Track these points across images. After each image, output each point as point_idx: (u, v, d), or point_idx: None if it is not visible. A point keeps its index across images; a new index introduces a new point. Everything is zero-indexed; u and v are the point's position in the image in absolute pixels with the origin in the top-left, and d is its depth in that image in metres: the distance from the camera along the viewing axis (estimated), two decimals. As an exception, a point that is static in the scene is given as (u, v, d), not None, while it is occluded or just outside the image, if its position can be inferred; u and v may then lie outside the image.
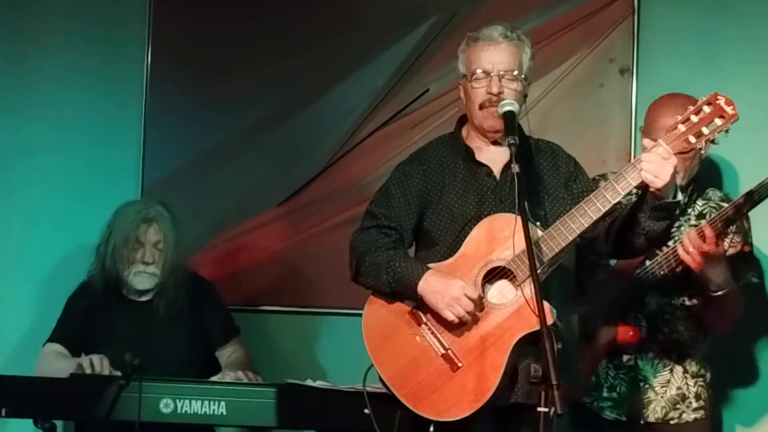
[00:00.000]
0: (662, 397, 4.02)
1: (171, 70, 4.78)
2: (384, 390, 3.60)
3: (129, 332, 4.30)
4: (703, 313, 4.00)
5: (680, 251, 3.84)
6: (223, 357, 4.41)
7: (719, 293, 3.89)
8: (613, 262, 4.02)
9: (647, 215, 3.52)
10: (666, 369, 4.03)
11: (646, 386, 4.02)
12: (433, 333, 3.56)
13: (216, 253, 4.74)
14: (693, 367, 4.05)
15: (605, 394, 4.05)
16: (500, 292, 3.55)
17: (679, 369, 4.03)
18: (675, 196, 3.52)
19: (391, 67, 4.71)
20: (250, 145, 4.77)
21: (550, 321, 3.33)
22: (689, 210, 4.04)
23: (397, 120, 4.71)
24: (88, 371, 4.03)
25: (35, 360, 4.33)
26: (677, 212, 3.96)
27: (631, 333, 3.98)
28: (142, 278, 4.32)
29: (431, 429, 3.53)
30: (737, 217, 3.88)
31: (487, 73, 3.63)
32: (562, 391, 3.19)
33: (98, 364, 4.04)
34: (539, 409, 3.26)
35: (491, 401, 3.48)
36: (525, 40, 3.68)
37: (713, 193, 4.09)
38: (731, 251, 4.01)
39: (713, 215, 3.89)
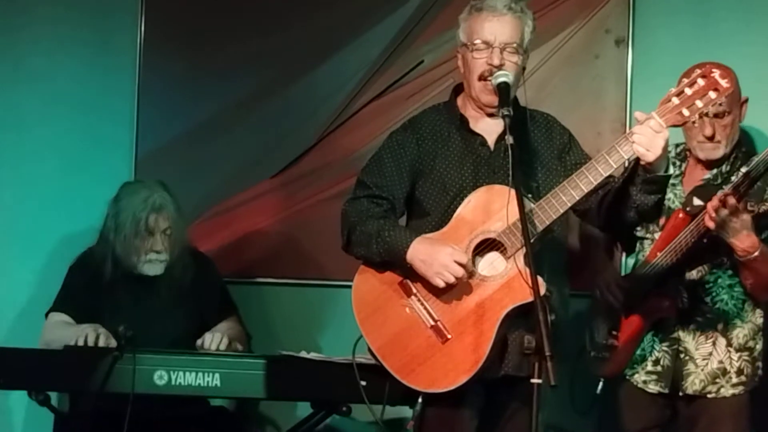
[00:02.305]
0: (702, 370, 3.98)
1: (164, 42, 4.75)
2: (374, 361, 3.61)
3: (129, 307, 4.30)
4: (744, 282, 3.96)
5: (706, 219, 3.82)
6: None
7: (745, 258, 3.85)
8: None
9: (638, 189, 3.51)
10: (708, 341, 3.98)
11: (687, 358, 3.99)
12: (422, 304, 3.57)
13: (210, 226, 4.72)
14: (740, 339, 3.99)
15: (650, 368, 4.02)
16: (491, 264, 3.55)
17: (722, 341, 3.98)
18: (667, 170, 3.51)
19: (386, 38, 4.68)
20: (243, 118, 4.75)
21: (541, 292, 3.33)
22: (732, 178, 3.98)
23: (391, 91, 4.69)
24: (81, 344, 4.03)
25: (30, 332, 4.33)
26: (719, 181, 3.99)
27: (667, 304, 3.97)
28: (155, 266, 4.31)
29: (419, 400, 3.55)
30: (741, 194, 3.81)
31: (488, 45, 3.62)
32: (554, 362, 3.19)
33: (92, 338, 4.04)
34: (533, 380, 3.26)
35: (481, 373, 3.49)
36: (527, 12, 3.68)
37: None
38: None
39: (731, 186, 3.84)
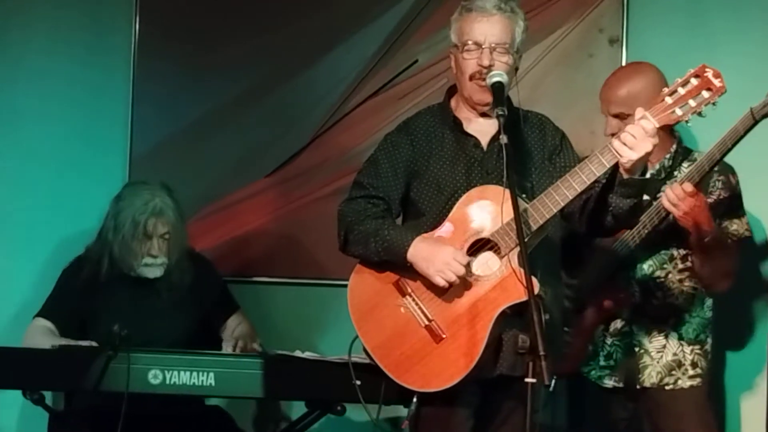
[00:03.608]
0: (658, 362, 4.02)
1: (159, 41, 4.76)
2: (369, 361, 3.61)
3: (127, 308, 4.30)
4: (700, 272, 3.99)
5: (665, 203, 3.85)
6: (227, 334, 4.40)
7: (708, 238, 3.88)
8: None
9: (615, 191, 3.51)
10: (661, 335, 4.02)
11: (642, 351, 4.02)
12: (417, 304, 3.57)
13: (205, 225, 4.72)
14: (690, 334, 4.03)
15: (603, 363, 4.06)
16: (485, 264, 3.55)
17: (674, 335, 4.02)
18: (643, 174, 3.52)
19: (380, 37, 4.69)
20: (238, 117, 4.76)
21: (535, 292, 3.34)
22: (675, 173, 4.04)
23: (385, 91, 4.70)
24: None
25: (22, 334, 4.32)
26: (663, 176, 4.03)
27: (622, 296, 4.00)
28: (153, 269, 4.30)
29: (414, 400, 3.56)
30: (700, 181, 3.88)
31: (478, 45, 3.62)
32: (548, 362, 3.20)
33: None
34: (527, 379, 3.28)
35: (475, 373, 3.49)
36: (518, 12, 3.67)
37: (699, 155, 4.05)
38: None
39: (686, 175, 3.90)
